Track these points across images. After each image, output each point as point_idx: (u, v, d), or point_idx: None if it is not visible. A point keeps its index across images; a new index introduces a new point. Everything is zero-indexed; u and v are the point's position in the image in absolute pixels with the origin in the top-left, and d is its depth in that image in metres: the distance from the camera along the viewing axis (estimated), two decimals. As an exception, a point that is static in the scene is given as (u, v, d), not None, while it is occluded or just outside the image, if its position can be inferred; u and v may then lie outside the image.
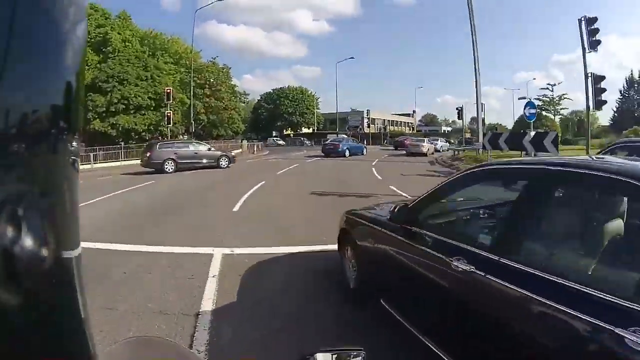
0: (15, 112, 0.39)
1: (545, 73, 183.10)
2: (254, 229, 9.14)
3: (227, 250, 7.39)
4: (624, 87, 71.60)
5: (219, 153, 28.03)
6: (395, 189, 15.11)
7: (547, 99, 59.62)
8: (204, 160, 26.18)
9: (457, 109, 45.29)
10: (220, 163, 26.69)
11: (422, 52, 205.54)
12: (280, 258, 7.00)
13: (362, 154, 40.02)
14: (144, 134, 43.04)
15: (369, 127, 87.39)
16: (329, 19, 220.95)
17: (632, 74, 71.67)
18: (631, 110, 68.29)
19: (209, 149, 27.86)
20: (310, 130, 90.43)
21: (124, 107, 41.68)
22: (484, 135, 28.34)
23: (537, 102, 58.57)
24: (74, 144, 0.47)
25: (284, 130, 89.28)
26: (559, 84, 74.05)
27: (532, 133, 20.96)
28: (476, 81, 31.17)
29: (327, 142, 42.49)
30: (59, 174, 0.46)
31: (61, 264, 0.45)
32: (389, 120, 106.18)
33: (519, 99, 64.36)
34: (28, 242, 0.39)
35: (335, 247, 6.12)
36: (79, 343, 0.49)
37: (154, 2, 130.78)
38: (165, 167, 24.14)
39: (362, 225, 5.06)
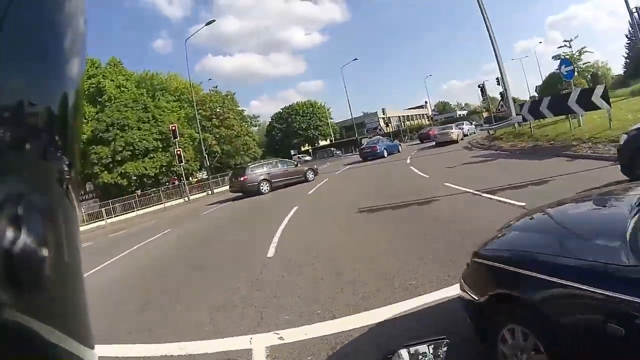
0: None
1: (544, 38, 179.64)
2: (302, 287, 6.46)
3: (271, 338, 4.81)
4: (629, 31, 66.74)
5: (305, 167, 28.64)
6: (452, 185, 12.72)
7: (567, 55, 56.38)
8: (294, 177, 26.71)
9: (479, 86, 44.19)
10: (308, 176, 27.15)
11: (417, 42, 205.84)
12: (359, 339, 4.34)
13: (399, 152, 38.96)
14: (161, 177, 41.64)
15: (387, 126, 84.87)
16: (320, 29, 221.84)
17: (632, 14, 67.51)
18: None
19: (296, 165, 28.98)
20: (328, 142, 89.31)
21: (130, 153, 40.45)
22: (520, 106, 26.26)
23: (557, 62, 56.20)
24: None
25: (301, 147, 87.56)
26: (575, 38, 70.62)
27: (577, 92, 18.55)
28: (495, 52, 29.50)
29: (364, 146, 41.29)
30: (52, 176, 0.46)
31: (61, 265, 0.45)
32: (403, 116, 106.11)
33: (553, 58, 61.37)
34: (28, 241, 0.40)
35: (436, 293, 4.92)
36: (79, 341, 0.49)
37: (146, 47, 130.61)
38: (261, 188, 24.93)
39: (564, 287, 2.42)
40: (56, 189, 0.45)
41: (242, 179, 25.17)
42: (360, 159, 37.53)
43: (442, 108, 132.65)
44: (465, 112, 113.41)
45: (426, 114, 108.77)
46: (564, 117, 20.79)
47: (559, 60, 53.89)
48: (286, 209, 14.69)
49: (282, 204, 16.79)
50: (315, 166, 30.55)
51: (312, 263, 7.57)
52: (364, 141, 52.85)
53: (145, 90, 46.52)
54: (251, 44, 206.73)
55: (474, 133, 47.09)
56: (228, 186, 29.05)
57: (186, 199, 34.97)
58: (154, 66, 57.88)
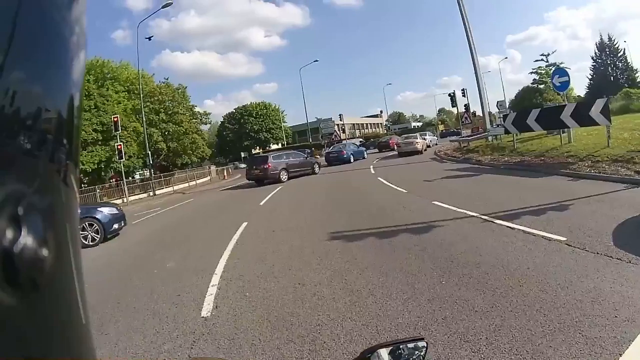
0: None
1: (503, 55, 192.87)
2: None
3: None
4: (595, 53, 71.33)
5: (313, 160, 30.98)
6: (443, 204, 10.44)
7: (542, 70, 55.74)
8: (306, 168, 28.47)
9: (449, 95, 43.92)
10: (315, 169, 29.13)
11: (375, 51, 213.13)
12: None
13: (364, 158, 39.20)
14: (103, 174, 38.23)
15: (343, 132, 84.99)
16: (281, 32, 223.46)
17: (601, 38, 72.11)
18: (607, 74, 67.90)
19: (306, 158, 30.40)
20: (280, 146, 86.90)
21: None
22: (504, 118, 24.02)
23: (533, 77, 55.35)
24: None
25: (252, 150, 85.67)
26: (553, 52, 71.68)
27: (572, 105, 16.91)
28: (473, 60, 28.71)
29: (331, 150, 40.79)
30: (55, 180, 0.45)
31: (61, 265, 0.45)
32: (359, 124, 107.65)
33: (531, 72, 61.93)
34: (28, 241, 0.40)
35: None
36: (80, 345, 0.49)
37: (105, 38, 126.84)
38: (282, 176, 25.89)
39: None
40: (56, 188, 0.45)
41: (265, 166, 25.93)
42: (325, 164, 36.10)
43: (397, 118, 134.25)
44: (419, 124, 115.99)
45: (381, 123, 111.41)
46: (547, 132, 20.17)
47: (534, 73, 53.09)
48: (235, 223, 11.95)
49: (226, 221, 13.56)
50: (319, 160, 32.44)
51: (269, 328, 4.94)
52: (335, 145, 50.20)
53: (94, 78, 42.89)
54: (210, 42, 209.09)
55: (436, 144, 45.67)
56: (245, 174, 28.84)
57: (124, 200, 30.73)
58: (112, 57, 55.38)
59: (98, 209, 13.34)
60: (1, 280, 0.36)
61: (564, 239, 6.36)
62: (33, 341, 0.40)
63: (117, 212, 13.57)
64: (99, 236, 12.55)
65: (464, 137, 33.50)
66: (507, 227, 7.59)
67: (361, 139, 58.55)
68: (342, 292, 5.55)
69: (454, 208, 9.76)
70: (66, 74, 0.44)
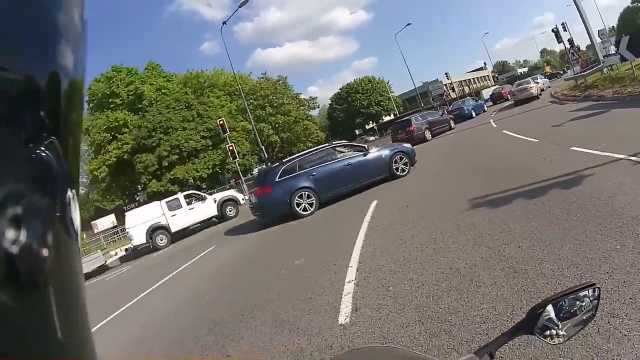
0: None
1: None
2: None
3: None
4: None
5: (447, 117, 31.49)
6: (582, 149, 9.32)
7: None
8: (444, 125, 29.83)
9: (553, 31, 40.02)
10: (451, 125, 30.56)
11: (464, 4, 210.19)
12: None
13: (485, 111, 39.06)
14: (220, 176, 39.47)
15: (453, 91, 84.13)
16: (365, 6, 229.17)
17: None
18: None
19: (442, 115, 31.74)
20: (392, 117, 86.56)
21: (177, 157, 38.07)
22: (617, 43, 22.97)
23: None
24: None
25: (365, 125, 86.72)
26: None
27: None
28: None
29: (451, 109, 39.70)
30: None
31: (61, 265, 0.44)
32: (465, 80, 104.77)
33: None
34: (28, 241, 0.39)
35: None
36: (80, 345, 0.48)
37: (194, 52, 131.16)
38: (426, 135, 27.17)
39: None
40: (56, 188, 0.44)
41: (410, 128, 26.99)
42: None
43: (502, 68, 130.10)
44: (525, 70, 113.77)
45: (487, 75, 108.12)
46: None
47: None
48: (363, 209, 10.87)
49: (356, 200, 13.32)
50: (449, 116, 31.99)
51: None
52: (454, 103, 49.04)
53: (192, 89, 44.50)
54: (298, 32, 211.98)
55: (549, 87, 43.60)
56: (391, 140, 28.55)
57: (245, 197, 30.54)
58: (205, 67, 58.43)
59: (403, 144, 16.18)
60: (1, 280, 0.36)
61: None
62: (33, 341, 0.40)
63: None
64: (407, 168, 14.95)
65: (579, 73, 31.45)
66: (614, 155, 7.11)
67: (473, 96, 56.76)
68: (504, 273, 4.63)
69: (596, 152, 8.65)
70: (66, 71, 0.43)
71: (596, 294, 1.20)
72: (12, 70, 0.38)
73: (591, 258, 4.31)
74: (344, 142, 19.37)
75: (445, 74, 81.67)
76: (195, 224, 23.80)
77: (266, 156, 38.45)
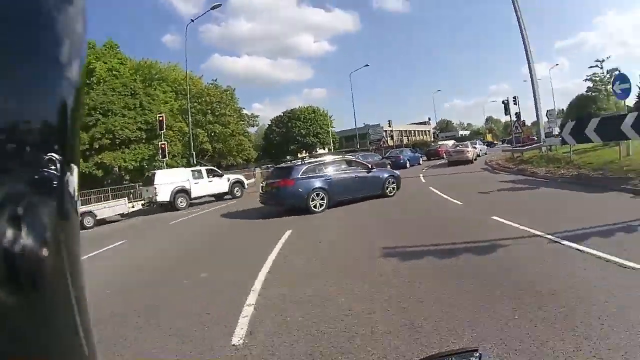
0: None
1: (549, 63, 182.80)
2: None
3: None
4: None
5: (383, 175, 29.27)
6: (503, 220, 9.68)
7: (597, 77, 53.57)
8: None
9: (503, 102, 42.06)
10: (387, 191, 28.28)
11: (424, 58, 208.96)
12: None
13: (419, 164, 40.59)
14: (145, 172, 38.30)
15: (391, 139, 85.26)
16: (330, 38, 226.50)
17: None
18: None
19: (369, 172, 29.91)
20: (326, 150, 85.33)
21: (109, 142, 37.21)
22: (561, 127, 23.35)
23: (588, 84, 53.48)
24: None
25: (298, 153, 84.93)
26: (607, 58, 68.50)
27: (634, 115, 15.88)
28: (529, 65, 27.32)
29: (389, 155, 41.41)
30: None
31: (61, 265, 0.45)
32: (406, 131, 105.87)
33: (586, 79, 58.19)
34: (28, 242, 0.40)
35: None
36: (79, 343, 0.49)
37: (156, 41, 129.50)
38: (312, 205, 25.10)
39: None
40: (56, 189, 0.45)
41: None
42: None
43: (445, 126, 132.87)
44: (467, 132, 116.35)
45: (429, 131, 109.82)
46: (603, 143, 19.52)
47: (588, 80, 51.24)
48: (272, 240, 10.69)
49: (268, 230, 13.73)
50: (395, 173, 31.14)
51: None
52: (392, 151, 50.54)
53: (142, 78, 43.45)
54: (260, 48, 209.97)
55: (486, 154, 44.95)
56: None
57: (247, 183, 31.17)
58: (162, 59, 56.86)
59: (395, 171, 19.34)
60: (1, 280, 0.37)
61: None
62: (33, 341, 0.41)
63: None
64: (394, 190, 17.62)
65: (517, 147, 32.94)
66: (577, 249, 6.88)
67: (410, 147, 58.10)
68: (401, 325, 4.71)
69: (516, 225, 9.02)
70: (65, 74, 0.45)
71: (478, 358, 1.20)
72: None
73: (489, 324, 4.45)
74: (353, 157, 21.24)
75: (388, 121, 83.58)
76: (210, 195, 26.99)
77: (194, 162, 37.87)
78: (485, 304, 4.98)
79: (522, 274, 5.93)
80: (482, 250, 7.37)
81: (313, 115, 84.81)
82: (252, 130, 67.53)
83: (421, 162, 41.63)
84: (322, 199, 15.54)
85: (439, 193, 16.40)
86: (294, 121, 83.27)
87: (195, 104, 45.84)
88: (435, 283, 5.95)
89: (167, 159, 32.37)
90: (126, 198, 26.61)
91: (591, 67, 55.55)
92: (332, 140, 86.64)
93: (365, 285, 6.27)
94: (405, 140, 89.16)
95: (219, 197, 27.25)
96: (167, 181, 24.55)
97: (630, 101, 56.38)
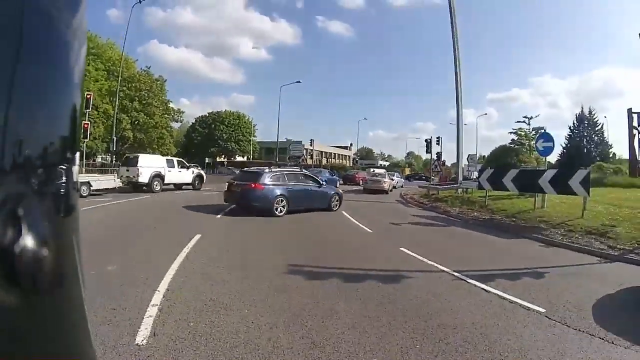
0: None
1: (479, 111, 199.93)
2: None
3: None
4: (574, 123, 72.09)
5: (330, 191, 29.15)
6: (412, 253, 9.96)
7: (522, 132, 55.82)
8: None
9: (425, 141, 43.11)
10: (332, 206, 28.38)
11: (356, 84, 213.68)
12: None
13: (336, 187, 37.88)
14: None
15: (311, 158, 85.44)
16: (268, 47, 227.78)
17: (582, 110, 73.02)
18: (581, 146, 68.50)
19: (320, 186, 30.06)
20: (245, 159, 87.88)
21: None
22: (480, 172, 23.96)
23: (513, 137, 55.67)
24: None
25: (217, 157, 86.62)
26: (536, 116, 72.47)
27: (552, 171, 16.98)
28: (458, 111, 28.23)
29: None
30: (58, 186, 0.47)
31: (62, 262, 0.46)
32: (327, 152, 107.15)
33: (511, 132, 60.07)
34: (28, 243, 0.40)
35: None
36: (80, 340, 0.50)
37: (99, 13, 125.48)
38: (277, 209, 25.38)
39: None
40: (56, 188, 0.45)
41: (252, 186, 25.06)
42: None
43: (366, 154, 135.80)
44: (387, 163, 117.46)
45: (349, 156, 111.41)
46: (519, 193, 20.17)
47: (513, 133, 53.37)
48: (183, 240, 10.55)
49: (179, 228, 13.64)
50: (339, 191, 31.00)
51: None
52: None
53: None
54: (199, 42, 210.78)
55: (402, 186, 45.91)
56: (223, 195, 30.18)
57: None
58: (101, 34, 54.12)
59: (338, 189, 22.27)
60: (1, 280, 0.37)
61: (544, 310, 6.11)
62: (33, 341, 0.41)
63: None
64: (338, 205, 20.15)
65: (434, 184, 33.50)
66: (482, 289, 7.20)
67: (329, 169, 58.33)
68: (302, 342, 4.73)
69: (423, 259, 9.30)
70: (67, 76, 0.45)
71: None
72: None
73: (390, 350, 4.57)
74: (307, 172, 22.97)
75: (311, 140, 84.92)
76: (177, 184, 29.34)
77: (114, 148, 37.50)
78: (387, 330, 5.10)
79: (426, 306, 6.10)
80: (389, 279, 7.52)
81: (238, 121, 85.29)
82: (175, 125, 66.05)
83: (338, 185, 39.14)
84: (284, 205, 17.06)
85: (351, 219, 16.68)
86: (218, 124, 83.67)
87: (125, 89, 45.07)
88: (339, 305, 6.01)
89: (87, 139, 31.08)
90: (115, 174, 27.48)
91: (518, 121, 57.79)
92: (253, 150, 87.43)
93: (271, 298, 6.27)
94: (324, 161, 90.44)
95: (178, 186, 29.58)
96: (147, 165, 26.87)
97: (553, 158, 59.43)
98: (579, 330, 5.33)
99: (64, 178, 0.45)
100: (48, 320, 0.41)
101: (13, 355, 0.37)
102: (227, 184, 18.74)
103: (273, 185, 17.17)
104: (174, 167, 28.76)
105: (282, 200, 17.01)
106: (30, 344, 0.40)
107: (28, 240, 0.38)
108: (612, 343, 4.92)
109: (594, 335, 5.15)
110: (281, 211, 16.83)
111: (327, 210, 18.78)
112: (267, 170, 18.23)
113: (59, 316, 0.44)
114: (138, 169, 26.06)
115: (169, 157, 31.41)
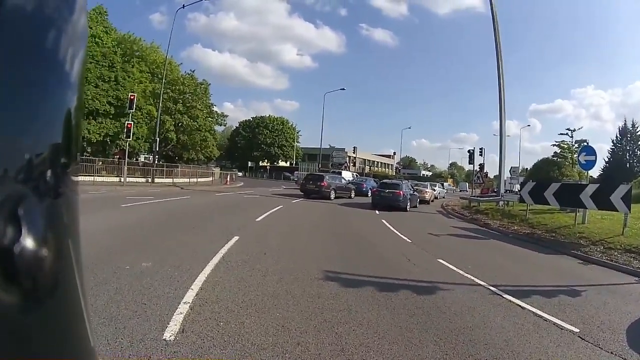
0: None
1: (521, 122, 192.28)
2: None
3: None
4: (617, 137, 70.83)
5: (351, 187, 35.70)
6: (449, 265, 9.81)
7: (565, 145, 54.57)
8: (347, 192, 33.96)
9: (468, 151, 42.41)
10: (351, 195, 34.29)
11: (401, 93, 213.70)
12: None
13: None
14: (107, 148, 37.42)
15: (354, 165, 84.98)
16: (313, 54, 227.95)
17: (625, 123, 71.55)
18: (624, 160, 67.23)
19: (347, 184, 35.78)
20: (288, 164, 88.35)
21: None
22: (522, 185, 24.44)
23: (554, 149, 54.56)
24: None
25: (260, 161, 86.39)
26: (579, 129, 70.52)
27: (594, 186, 16.55)
28: (501, 123, 27.95)
29: (354, 181, 42.55)
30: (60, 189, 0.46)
31: (62, 263, 0.45)
32: (369, 160, 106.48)
33: (554, 144, 57.76)
34: (28, 243, 0.40)
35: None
36: (79, 341, 0.50)
37: (143, 17, 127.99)
38: (331, 195, 30.46)
39: None
40: (57, 188, 0.44)
41: (321, 183, 30.42)
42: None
43: (408, 163, 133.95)
44: (429, 173, 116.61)
45: (392, 164, 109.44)
46: (560, 208, 19.61)
47: (556, 145, 52.26)
48: (220, 240, 10.65)
49: (217, 229, 13.47)
50: (353, 187, 36.14)
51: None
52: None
53: (122, 52, 42.26)
54: (242, 48, 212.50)
55: (444, 197, 46.04)
56: (299, 187, 34.11)
57: (121, 179, 30.40)
58: (146, 37, 54.98)
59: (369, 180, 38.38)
60: (2, 280, 0.36)
61: (577, 330, 5.89)
62: (33, 341, 0.40)
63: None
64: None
65: (475, 196, 33.23)
66: (517, 305, 7.00)
67: (371, 177, 58.28)
68: (331, 349, 4.69)
69: (460, 271, 9.16)
70: (66, 74, 0.45)
71: None
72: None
73: None
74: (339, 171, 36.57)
75: (354, 147, 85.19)
76: None
77: (157, 149, 38.08)
78: (418, 342, 5.02)
79: (458, 320, 5.97)
80: (423, 290, 7.42)
81: (282, 126, 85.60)
82: (219, 128, 66.64)
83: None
84: (336, 193, 30.79)
85: (390, 227, 16.50)
86: (262, 128, 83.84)
87: (169, 91, 45.16)
88: (371, 314, 5.95)
89: (130, 139, 31.45)
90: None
91: (561, 134, 56.32)
92: (296, 156, 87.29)
93: (304, 303, 6.24)
94: (367, 169, 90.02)
95: None
96: None
97: (595, 172, 58.17)
98: (612, 353, 5.16)
99: (63, 179, 0.45)
100: (45, 321, 0.41)
101: (13, 355, 0.37)
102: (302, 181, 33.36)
103: (330, 181, 30.97)
104: None
105: (336, 192, 30.94)
106: (28, 344, 0.39)
107: (27, 240, 0.37)
108: (644, 368, 4.71)
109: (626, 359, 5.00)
110: (334, 198, 30.22)
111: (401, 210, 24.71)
112: (325, 173, 35.58)
113: (57, 317, 0.44)
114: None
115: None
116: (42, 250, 0.39)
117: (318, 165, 69.50)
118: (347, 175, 46.08)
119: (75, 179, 0.47)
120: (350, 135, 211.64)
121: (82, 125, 0.50)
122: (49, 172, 0.42)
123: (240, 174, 71.11)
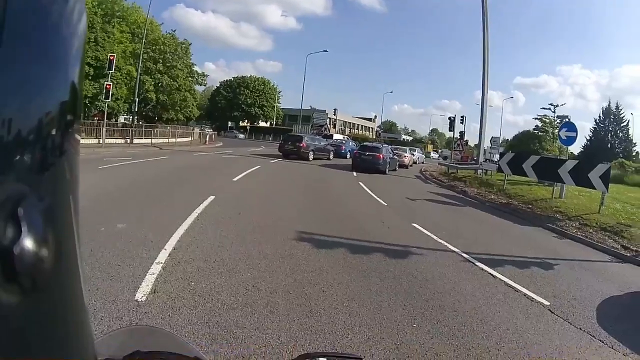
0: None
1: (505, 94, 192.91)
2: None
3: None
4: (600, 117, 70.53)
5: (330, 148, 36.17)
6: (423, 229, 9.99)
7: (547, 119, 54.81)
8: (325, 153, 34.41)
9: (449, 118, 42.31)
10: (330, 156, 34.98)
11: (385, 58, 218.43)
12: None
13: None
14: (86, 110, 36.71)
15: (334, 127, 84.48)
16: (298, 16, 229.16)
17: (609, 104, 71.12)
18: (605, 140, 67.09)
19: (325, 146, 35.80)
20: (268, 124, 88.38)
21: None
22: (501, 154, 24.14)
23: (535, 123, 54.80)
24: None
25: (240, 122, 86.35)
26: (562, 105, 70.35)
27: (573, 162, 16.58)
28: (483, 92, 27.95)
29: (332, 143, 42.12)
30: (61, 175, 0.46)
31: (61, 264, 0.45)
32: (350, 123, 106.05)
33: (536, 118, 59.12)
34: (28, 241, 0.39)
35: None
36: (79, 341, 0.50)
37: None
38: (309, 156, 30.99)
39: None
40: (57, 187, 0.45)
41: (300, 144, 30.64)
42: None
43: (389, 127, 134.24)
44: (410, 138, 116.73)
45: (372, 128, 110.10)
46: (538, 181, 19.79)
47: (538, 119, 52.49)
48: (196, 200, 10.43)
49: (193, 189, 13.21)
50: (332, 148, 36.61)
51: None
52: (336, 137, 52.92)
53: (103, 12, 41.24)
54: (226, 8, 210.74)
55: (422, 163, 46.61)
56: (278, 147, 32.86)
57: (100, 141, 29.33)
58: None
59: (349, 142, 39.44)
60: (1, 280, 0.36)
61: (547, 303, 5.99)
62: (33, 341, 0.40)
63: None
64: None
65: (453, 163, 33.58)
66: (489, 273, 7.11)
67: (351, 138, 58.33)
68: (300, 309, 4.76)
69: (434, 237, 9.25)
70: (65, 69, 0.44)
71: None
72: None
73: (387, 326, 4.55)
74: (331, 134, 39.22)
75: (334, 109, 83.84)
76: None
77: (136, 109, 38.05)
78: (387, 306, 5.11)
79: (429, 285, 6.08)
80: (396, 254, 7.50)
81: (263, 87, 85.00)
82: (199, 88, 65.83)
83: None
84: (315, 154, 31.50)
85: (368, 190, 16.62)
86: (243, 89, 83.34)
87: (149, 50, 44.85)
88: (342, 275, 6.03)
89: (109, 100, 30.75)
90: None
91: (544, 108, 56.88)
92: (276, 116, 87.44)
93: (276, 263, 6.30)
94: (347, 131, 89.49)
95: None
96: None
97: (576, 149, 58.77)
98: (580, 329, 5.24)
99: (63, 176, 0.45)
100: (47, 321, 0.41)
101: (13, 355, 0.37)
102: (281, 142, 32.40)
103: (309, 142, 31.60)
104: None
105: (315, 152, 31.61)
106: (30, 344, 0.39)
107: (26, 239, 0.37)
108: (612, 348, 4.85)
109: (594, 337, 5.06)
110: (313, 158, 30.86)
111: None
112: (304, 135, 35.17)
113: (59, 316, 0.44)
114: None
115: None
116: (42, 250, 0.39)
117: (299, 127, 68.71)
118: (338, 137, 48.81)
119: (76, 174, 0.47)
120: (332, 98, 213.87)
121: (81, 120, 0.49)
122: (49, 169, 0.42)
123: (242, 136, 73.56)
